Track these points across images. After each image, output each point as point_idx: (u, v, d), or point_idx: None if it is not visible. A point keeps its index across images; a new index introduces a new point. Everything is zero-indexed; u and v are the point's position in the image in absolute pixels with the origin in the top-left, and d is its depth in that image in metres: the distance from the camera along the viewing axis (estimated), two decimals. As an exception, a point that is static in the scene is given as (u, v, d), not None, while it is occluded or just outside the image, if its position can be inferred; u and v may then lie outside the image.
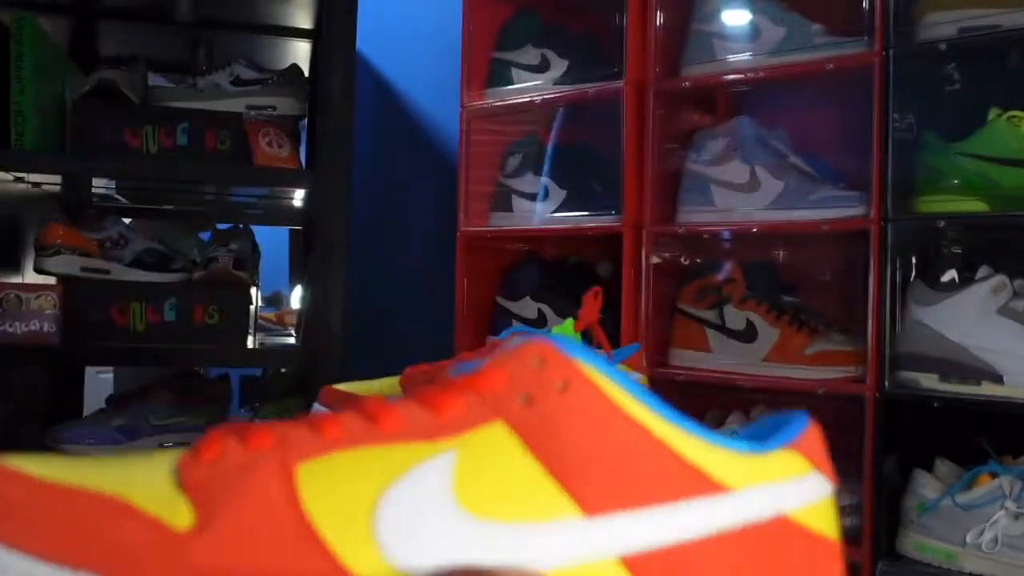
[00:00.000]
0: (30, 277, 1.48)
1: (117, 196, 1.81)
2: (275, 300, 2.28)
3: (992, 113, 1.11)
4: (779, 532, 0.28)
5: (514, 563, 0.26)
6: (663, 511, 0.27)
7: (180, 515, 0.25)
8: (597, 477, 0.27)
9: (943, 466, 1.12)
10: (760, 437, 0.30)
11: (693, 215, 1.32)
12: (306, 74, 1.61)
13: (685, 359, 1.33)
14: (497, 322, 1.53)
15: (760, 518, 0.27)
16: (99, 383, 2.24)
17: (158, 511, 0.25)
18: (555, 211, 1.45)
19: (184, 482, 0.26)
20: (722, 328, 1.30)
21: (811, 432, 0.30)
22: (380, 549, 0.26)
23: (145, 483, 0.26)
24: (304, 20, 1.62)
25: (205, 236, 1.69)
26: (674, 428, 0.28)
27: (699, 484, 0.27)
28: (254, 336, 1.51)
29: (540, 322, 1.48)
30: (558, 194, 1.45)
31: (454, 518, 0.26)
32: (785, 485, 0.28)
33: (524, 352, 0.28)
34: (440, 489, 0.26)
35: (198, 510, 0.25)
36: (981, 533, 1.03)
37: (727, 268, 1.33)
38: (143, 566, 0.24)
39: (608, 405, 0.27)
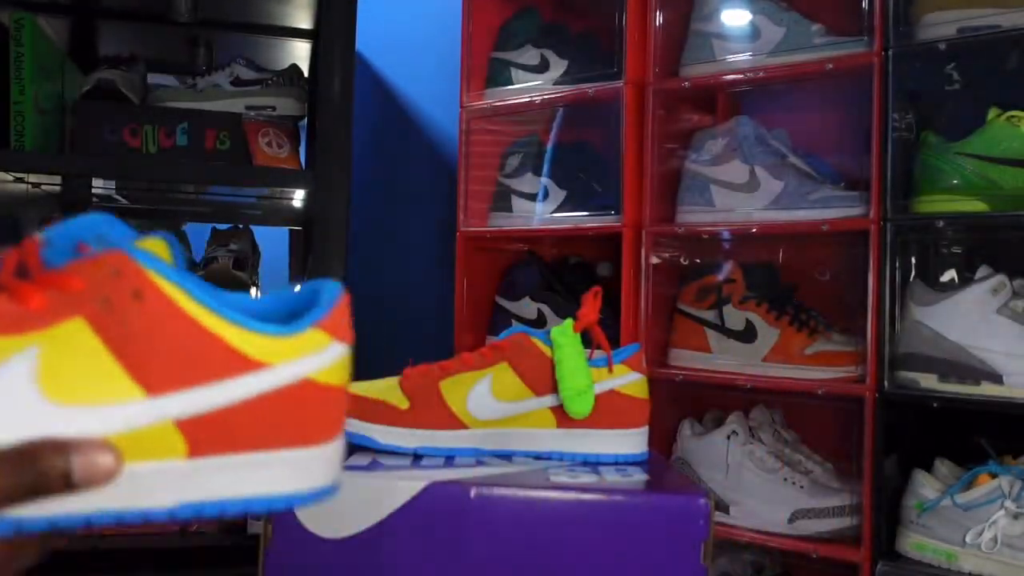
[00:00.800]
0: (30, 277, 1.48)
1: (117, 196, 1.81)
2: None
3: (992, 113, 1.11)
4: (303, 390, 0.38)
5: (85, 434, 0.33)
6: (212, 387, 0.36)
7: None
8: (159, 365, 0.35)
9: (943, 466, 1.12)
10: (299, 307, 0.40)
11: (693, 215, 1.32)
12: (306, 74, 1.61)
13: (685, 359, 1.33)
14: (497, 322, 1.53)
15: (289, 383, 0.37)
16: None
17: None
18: (555, 211, 1.45)
19: None
20: (722, 328, 1.30)
21: (338, 308, 0.39)
22: None
23: None
24: (304, 20, 1.62)
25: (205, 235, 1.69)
26: (223, 321, 0.36)
27: (242, 364, 0.36)
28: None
29: (540, 322, 1.48)
30: (558, 194, 1.45)
31: (38, 404, 0.33)
32: (310, 357, 0.38)
33: (102, 262, 0.35)
34: (26, 380, 0.33)
35: None
36: (981, 533, 1.03)
37: (727, 268, 1.33)
38: None
39: (170, 306, 0.35)
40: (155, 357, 0.35)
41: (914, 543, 1.09)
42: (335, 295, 0.40)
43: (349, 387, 0.40)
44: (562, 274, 1.51)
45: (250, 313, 0.38)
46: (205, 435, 0.35)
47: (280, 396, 0.37)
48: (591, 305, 0.73)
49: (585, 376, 0.72)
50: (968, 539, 1.04)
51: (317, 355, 0.38)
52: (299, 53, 1.73)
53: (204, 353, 0.35)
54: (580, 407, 0.72)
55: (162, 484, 0.35)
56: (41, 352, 0.33)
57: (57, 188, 1.66)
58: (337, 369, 0.39)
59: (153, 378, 0.34)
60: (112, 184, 1.76)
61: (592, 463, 0.74)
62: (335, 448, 0.40)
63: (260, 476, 0.37)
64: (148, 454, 0.34)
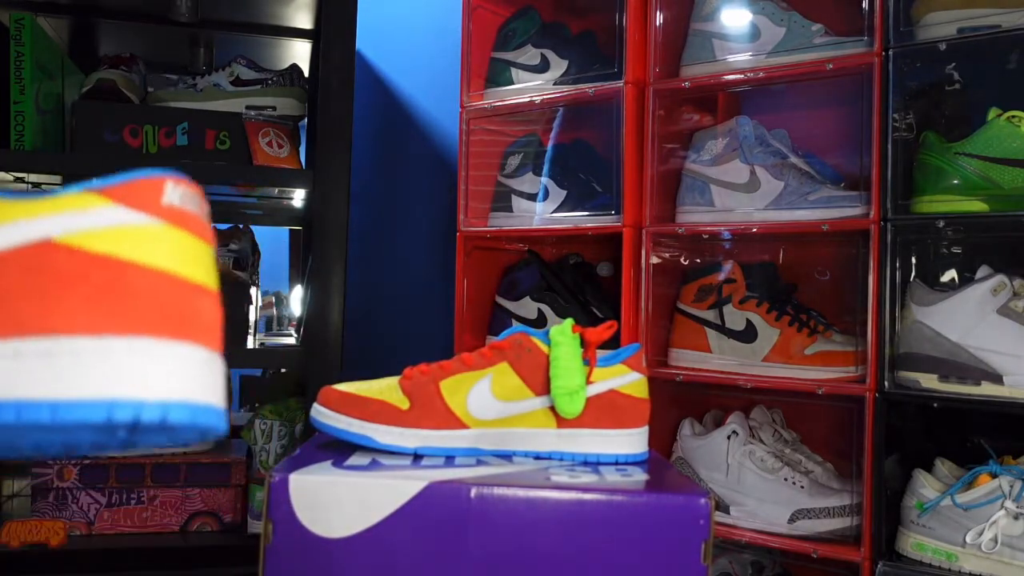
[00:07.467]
0: (30, 277, 1.48)
1: (117, 196, 1.81)
2: (275, 300, 2.28)
3: (992, 113, 1.11)
4: (41, 252, 0.30)
5: None
6: None
7: None
8: None
9: (943, 466, 1.12)
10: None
11: (693, 215, 1.32)
12: (306, 74, 1.61)
13: (685, 359, 1.33)
14: (497, 322, 1.54)
15: (17, 244, 0.30)
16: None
17: None
18: (555, 211, 1.45)
19: None
20: (722, 328, 1.30)
21: (139, 183, 0.33)
22: None
23: None
24: (304, 20, 1.62)
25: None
26: None
27: None
28: (254, 336, 1.51)
29: (540, 322, 1.48)
30: (558, 194, 1.45)
31: None
32: (57, 216, 0.31)
33: None
34: None
35: None
36: (981, 533, 1.03)
37: (727, 268, 1.33)
38: None
39: None
40: None
41: (914, 543, 1.09)
42: (151, 172, 0.33)
43: (186, 275, 0.32)
44: (562, 274, 1.51)
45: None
46: None
47: (14, 256, 0.30)
48: (603, 331, 0.73)
49: (578, 376, 0.72)
50: (968, 539, 1.04)
51: (66, 216, 0.31)
52: (299, 53, 1.73)
53: None
54: (570, 407, 0.72)
55: None
56: None
57: (57, 188, 1.65)
58: (114, 235, 0.31)
59: None
60: (112, 184, 1.76)
61: (592, 463, 0.74)
62: (159, 349, 0.30)
63: (12, 371, 0.29)
64: None
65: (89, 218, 0.31)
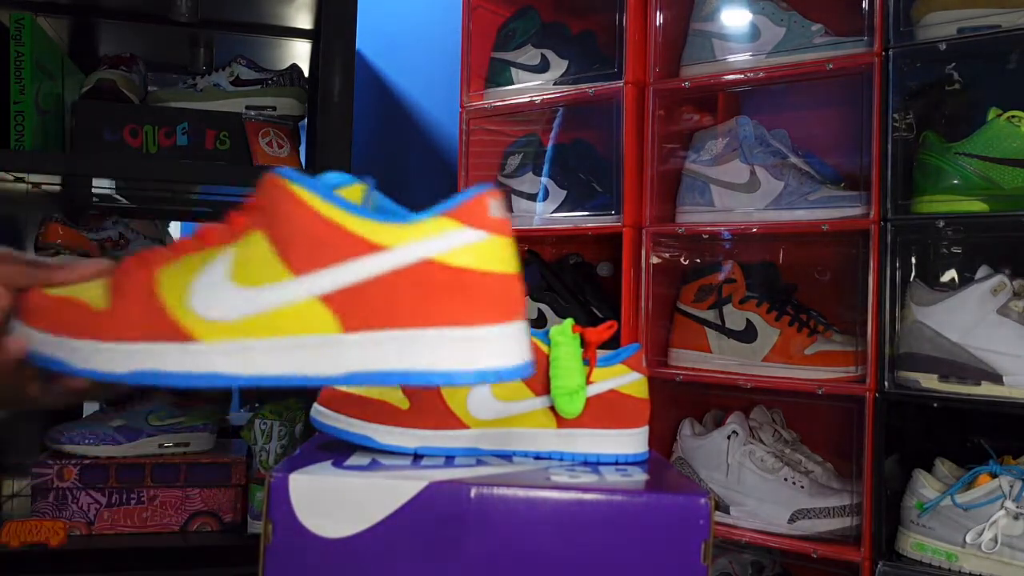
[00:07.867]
0: (30, 277, 1.47)
1: (117, 196, 1.81)
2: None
3: (992, 113, 1.11)
4: (424, 269, 0.45)
5: (254, 311, 0.46)
6: (342, 267, 0.45)
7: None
8: (302, 252, 0.45)
9: (943, 466, 1.12)
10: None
11: (693, 215, 1.33)
12: (306, 74, 1.61)
13: (685, 359, 1.33)
14: (497, 322, 1.53)
15: (408, 263, 0.45)
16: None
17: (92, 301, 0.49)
18: (555, 211, 1.45)
19: (109, 284, 0.50)
20: (722, 328, 1.30)
21: (472, 203, 0.45)
22: (194, 311, 0.46)
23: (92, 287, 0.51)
24: (304, 20, 1.62)
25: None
26: (344, 213, 0.46)
27: (363, 247, 0.45)
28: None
29: (540, 322, 1.49)
30: (558, 194, 1.45)
31: (229, 289, 0.46)
32: (429, 240, 0.45)
33: (264, 185, 0.47)
34: (223, 274, 0.47)
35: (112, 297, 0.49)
36: (981, 533, 1.03)
37: (727, 268, 1.33)
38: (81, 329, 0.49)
39: (303, 207, 0.46)
40: (297, 245, 0.45)
41: (914, 543, 1.09)
42: (474, 191, 0.46)
43: (507, 271, 0.45)
44: (562, 274, 1.51)
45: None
46: (349, 311, 0.45)
47: (402, 274, 0.44)
48: (603, 331, 0.73)
49: (578, 376, 0.72)
50: (968, 539, 1.04)
51: (438, 238, 0.44)
52: (299, 53, 1.73)
53: (331, 239, 0.45)
54: (570, 407, 0.72)
55: (326, 355, 0.45)
56: (235, 253, 0.46)
57: (57, 188, 1.66)
58: (465, 252, 0.44)
59: (296, 261, 0.45)
60: (112, 184, 1.76)
61: (592, 463, 0.74)
62: (498, 331, 0.44)
63: (413, 351, 0.44)
64: (304, 328, 0.45)
65: (449, 240, 0.45)
